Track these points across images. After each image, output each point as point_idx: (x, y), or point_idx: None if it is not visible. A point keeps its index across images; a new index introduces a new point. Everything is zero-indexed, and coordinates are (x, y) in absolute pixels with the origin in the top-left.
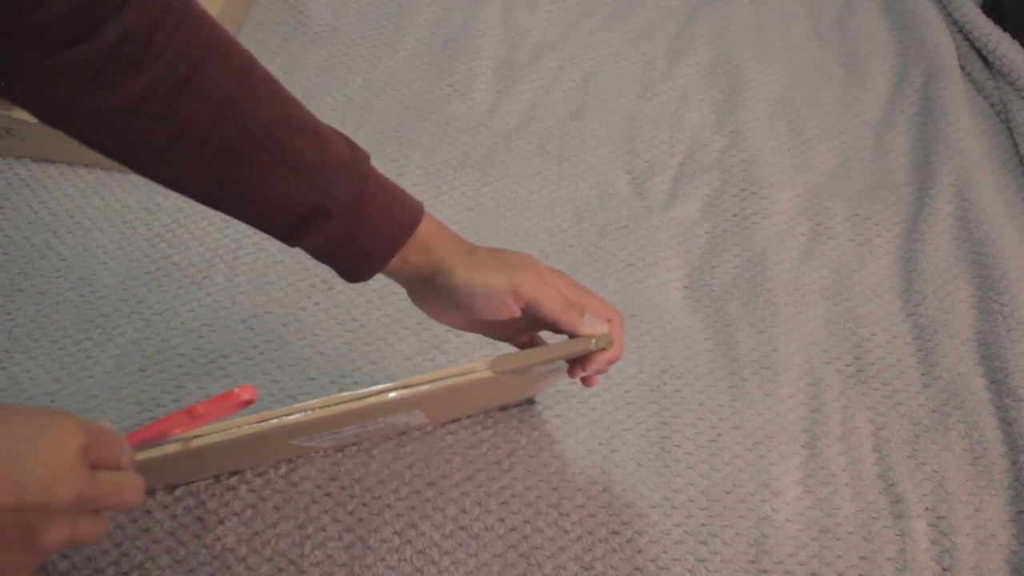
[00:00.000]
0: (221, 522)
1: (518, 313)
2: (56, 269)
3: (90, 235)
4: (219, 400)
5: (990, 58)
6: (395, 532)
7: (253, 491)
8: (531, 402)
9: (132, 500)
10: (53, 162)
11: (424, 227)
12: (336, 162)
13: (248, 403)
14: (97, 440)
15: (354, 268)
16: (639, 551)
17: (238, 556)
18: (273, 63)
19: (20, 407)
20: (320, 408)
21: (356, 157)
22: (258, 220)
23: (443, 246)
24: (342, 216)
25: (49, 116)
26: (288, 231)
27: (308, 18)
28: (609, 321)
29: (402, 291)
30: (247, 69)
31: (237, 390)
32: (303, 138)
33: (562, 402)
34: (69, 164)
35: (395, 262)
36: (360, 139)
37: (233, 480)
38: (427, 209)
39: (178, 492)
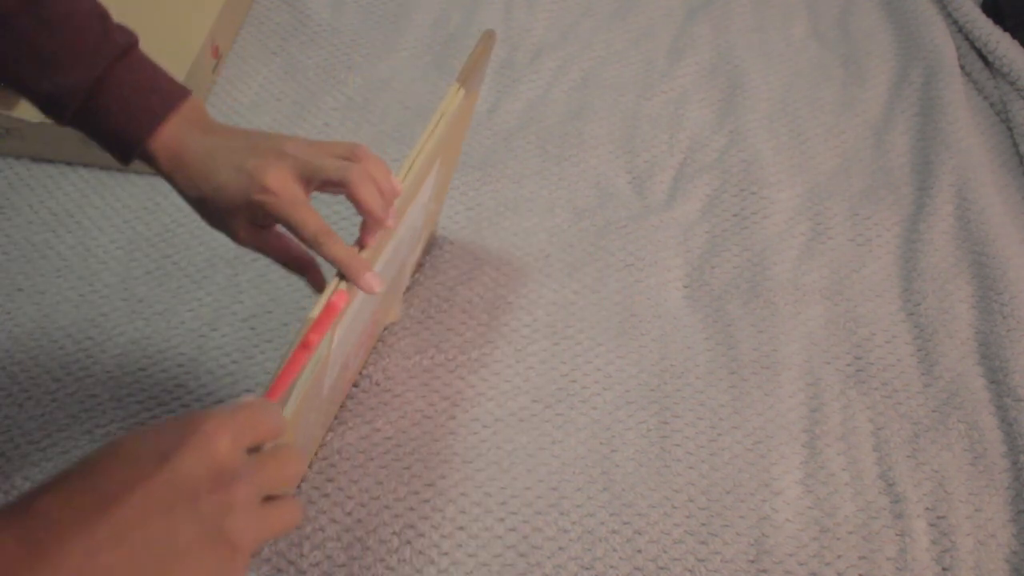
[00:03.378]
0: None
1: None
2: (56, 269)
3: (90, 235)
4: (324, 316)
5: (990, 58)
6: (393, 533)
7: None
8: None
9: (297, 470)
10: (53, 162)
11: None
12: (74, 53)
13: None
14: (244, 425)
15: (113, 152)
16: (639, 551)
17: None
18: (273, 63)
19: (166, 422)
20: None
21: (104, 47)
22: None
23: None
24: (78, 106)
25: None
26: (46, 113)
27: (308, 18)
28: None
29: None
30: None
31: (334, 298)
32: (43, 28)
33: (563, 401)
34: (69, 164)
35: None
36: (360, 139)
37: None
38: None
39: None
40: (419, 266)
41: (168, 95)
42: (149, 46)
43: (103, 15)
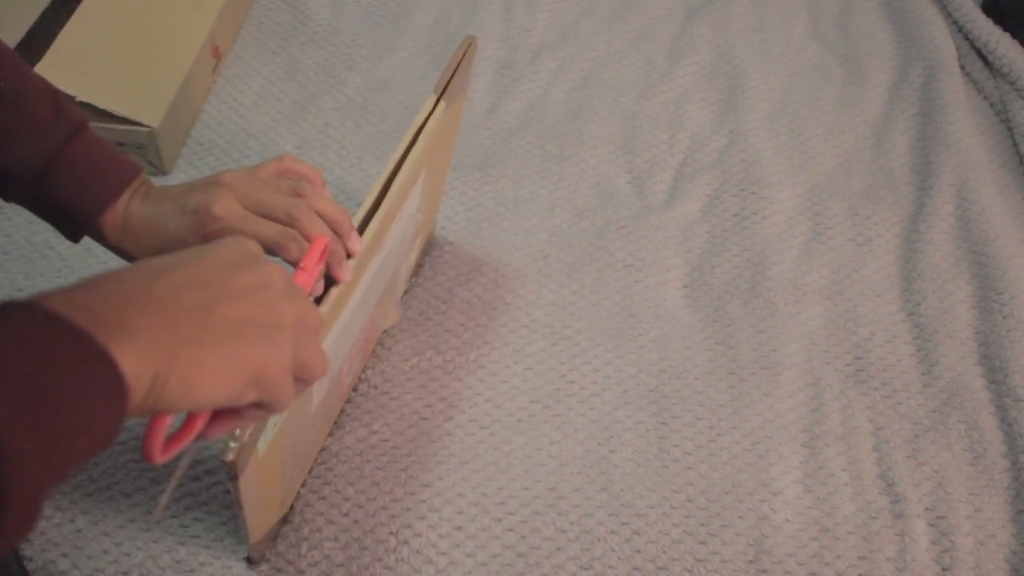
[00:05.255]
0: (222, 523)
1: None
2: (56, 269)
3: None
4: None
5: (990, 58)
6: (391, 533)
7: None
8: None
9: (320, 319)
10: None
11: (120, 209)
12: (28, 128)
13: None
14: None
15: (61, 228)
16: (638, 551)
17: (238, 557)
18: (273, 63)
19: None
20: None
21: (58, 123)
22: None
23: (133, 236)
24: (31, 180)
25: None
26: None
27: (308, 18)
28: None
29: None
30: None
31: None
32: None
33: (561, 401)
34: None
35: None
36: (360, 139)
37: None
38: None
39: (177, 493)
40: (418, 267)
41: (121, 173)
42: (149, 46)
43: (55, 93)
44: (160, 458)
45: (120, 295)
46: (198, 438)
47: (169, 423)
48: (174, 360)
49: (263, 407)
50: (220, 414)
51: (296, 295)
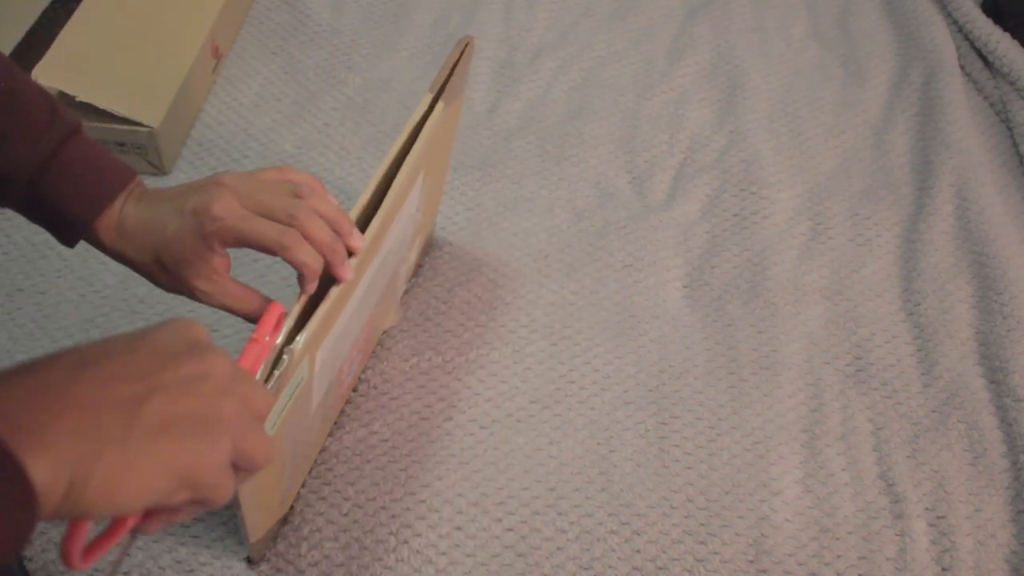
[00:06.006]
0: (223, 523)
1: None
2: (56, 269)
3: None
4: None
5: (990, 58)
6: (391, 533)
7: None
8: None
9: (269, 400)
10: None
11: (116, 212)
12: (23, 132)
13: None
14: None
15: (57, 232)
16: (638, 551)
17: (238, 557)
18: (273, 63)
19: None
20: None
21: (53, 126)
22: None
23: (128, 239)
24: (26, 183)
25: None
26: None
27: (308, 18)
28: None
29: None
30: None
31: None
32: None
33: (561, 401)
34: None
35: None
36: (360, 139)
37: None
38: None
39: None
40: (418, 268)
41: (116, 176)
42: (149, 46)
43: (49, 96)
44: (81, 565)
45: (41, 393)
46: (135, 531)
47: (88, 528)
48: (95, 463)
49: (198, 504)
50: (153, 510)
51: (241, 382)
